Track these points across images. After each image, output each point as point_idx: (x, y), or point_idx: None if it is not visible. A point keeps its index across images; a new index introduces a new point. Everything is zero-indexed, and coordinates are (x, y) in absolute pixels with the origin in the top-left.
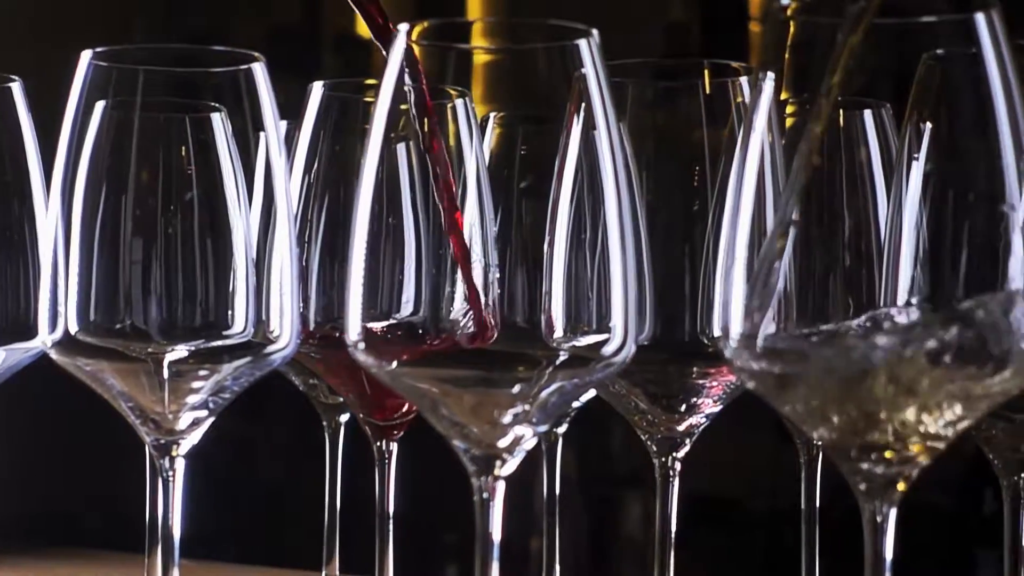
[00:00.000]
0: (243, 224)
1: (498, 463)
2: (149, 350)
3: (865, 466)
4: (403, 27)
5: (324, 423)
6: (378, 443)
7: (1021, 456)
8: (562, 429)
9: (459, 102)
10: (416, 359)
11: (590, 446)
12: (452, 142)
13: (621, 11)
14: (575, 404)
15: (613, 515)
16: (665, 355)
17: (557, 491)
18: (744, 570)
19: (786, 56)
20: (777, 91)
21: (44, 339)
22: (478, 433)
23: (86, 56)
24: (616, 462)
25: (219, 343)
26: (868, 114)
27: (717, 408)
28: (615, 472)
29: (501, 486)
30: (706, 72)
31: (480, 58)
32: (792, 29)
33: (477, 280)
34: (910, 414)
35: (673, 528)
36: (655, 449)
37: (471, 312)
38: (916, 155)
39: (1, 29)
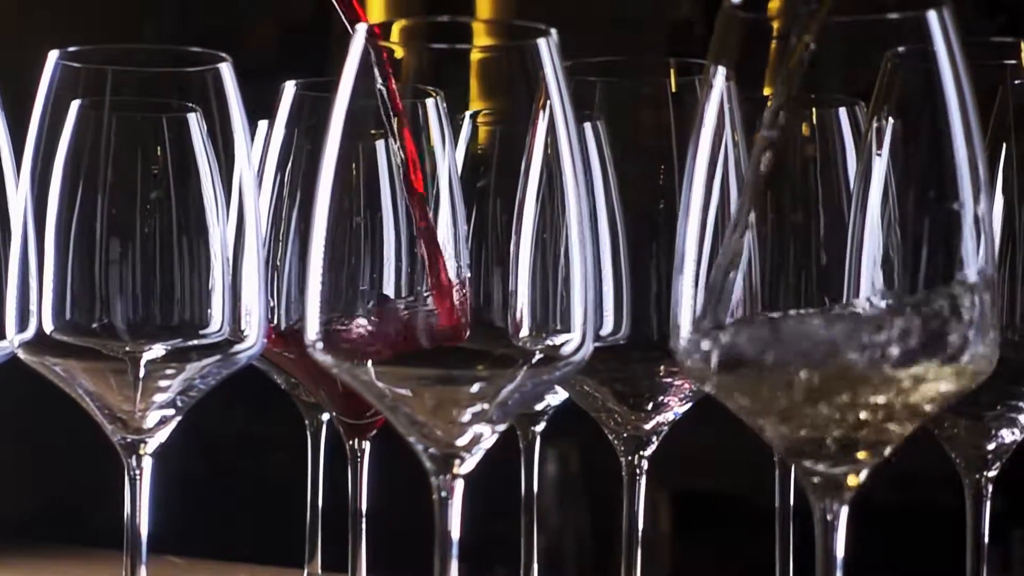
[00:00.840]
0: (219, 224)
1: (457, 462)
2: (127, 349)
3: (814, 464)
4: (361, 27)
5: (306, 421)
6: (351, 442)
7: (983, 454)
8: (540, 428)
9: (430, 101)
10: (375, 358)
11: (595, 442)
12: (425, 142)
13: (626, 9)
14: (552, 403)
15: (619, 511)
16: (633, 353)
17: (535, 489)
18: (759, 566)
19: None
20: (747, 87)
21: (12, 338)
22: (437, 432)
23: (53, 56)
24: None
25: (197, 342)
26: (843, 112)
27: (684, 407)
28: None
29: (460, 484)
30: (672, 71)
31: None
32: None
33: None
34: (859, 411)
35: (640, 525)
36: (622, 448)
37: (437, 311)
38: (879, 152)
39: (11, 30)
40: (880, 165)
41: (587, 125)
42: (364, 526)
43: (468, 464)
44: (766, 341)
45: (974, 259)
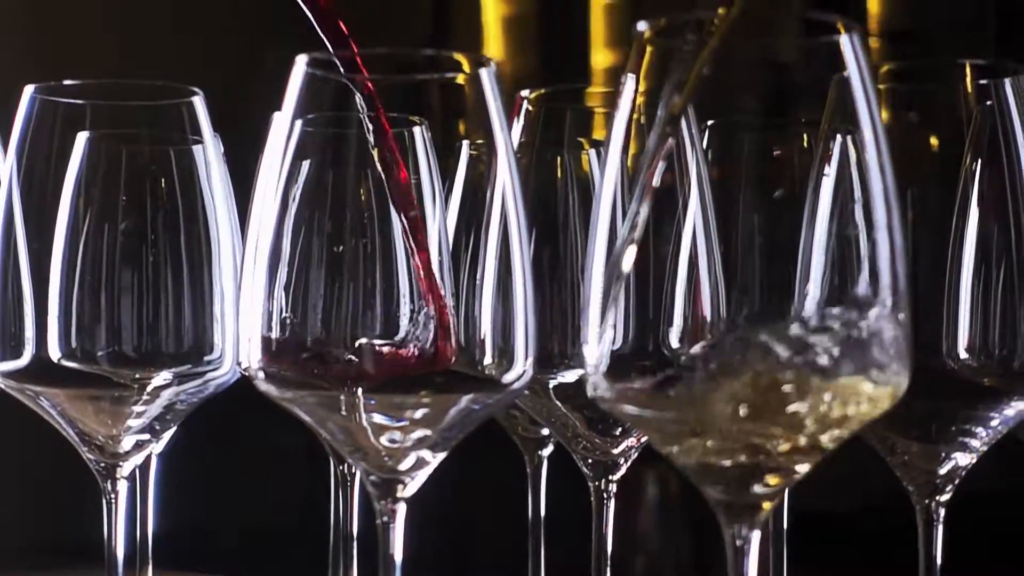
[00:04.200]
0: (217, 253)
1: (399, 487)
2: (136, 376)
3: (723, 490)
4: (301, 58)
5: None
6: (341, 466)
7: (935, 479)
8: (547, 451)
9: (417, 130)
10: (319, 386)
11: None
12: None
13: None
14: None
15: (715, 534)
16: None
17: (542, 513)
18: None
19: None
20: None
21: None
22: (380, 458)
23: (28, 90)
24: None
25: (202, 368)
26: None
27: None
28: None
29: (402, 508)
30: None
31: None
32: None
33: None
34: (765, 438)
35: (609, 549)
36: (591, 474)
37: (431, 336)
38: (826, 172)
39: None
40: (828, 184)
41: (592, 150)
42: (355, 549)
43: (410, 488)
44: (654, 387)
45: (888, 283)
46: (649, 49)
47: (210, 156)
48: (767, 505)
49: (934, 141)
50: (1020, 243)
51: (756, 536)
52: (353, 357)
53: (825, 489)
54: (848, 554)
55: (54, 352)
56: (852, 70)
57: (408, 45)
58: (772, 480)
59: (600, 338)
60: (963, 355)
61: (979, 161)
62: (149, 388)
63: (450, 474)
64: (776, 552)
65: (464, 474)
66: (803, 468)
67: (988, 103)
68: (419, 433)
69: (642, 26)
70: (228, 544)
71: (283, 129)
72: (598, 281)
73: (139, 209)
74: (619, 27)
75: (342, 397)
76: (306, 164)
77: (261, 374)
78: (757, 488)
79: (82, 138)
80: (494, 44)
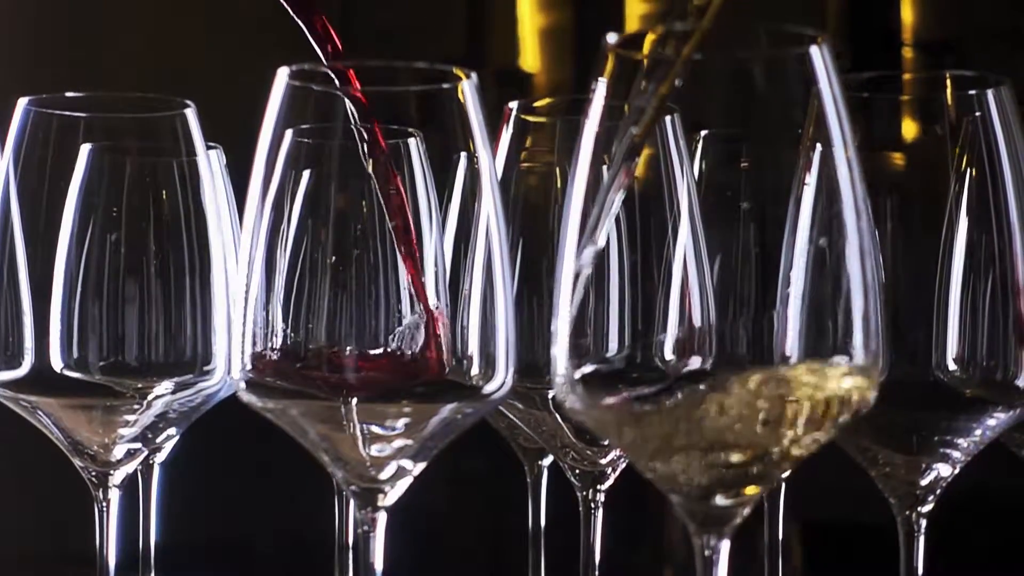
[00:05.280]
0: (223, 264)
1: (380, 496)
2: (138, 386)
3: (689, 500)
4: (283, 70)
5: None
6: None
7: (916, 490)
8: (547, 462)
9: (412, 141)
10: (308, 395)
11: None
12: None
13: None
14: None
15: (740, 544)
16: None
17: (542, 524)
18: None
19: None
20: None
21: None
22: (363, 467)
23: (22, 103)
24: None
25: (202, 378)
26: None
27: None
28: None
29: (382, 517)
30: None
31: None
32: None
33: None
34: (735, 452)
35: (597, 559)
36: (579, 484)
37: (422, 345)
38: (807, 182)
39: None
40: (808, 195)
41: None
42: (351, 559)
43: (391, 497)
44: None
45: (859, 294)
46: (611, 60)
47: (203, 168)
48: (737, 515)
49: (922, 152)
50: (1004, 254)
51: (725, 546)
52: (343, 367)
53: (823, 498)
54: (846, 562)
55: (56, 362)
56: (822, 82)
57: (443, 58)
58: (745, 492)
59: (567, 350)
60: (952, 366)
61: (967, 172)
62: (150, 397)
63: (450, 482)
64: (771, 563)
65: (464, 483)
66: (774, 481)
67: (977, 114)
68: (400, 443)
69: (612, 38)
70: (234, 552)
71: (265, 140)
72: (566, 293)
73: (138, 220)
74: None
75: (338, 407)
76: (296, 173)
77: (243, 384)
78: (722, 500)
79: (84, 150)
80: (531, 55)
